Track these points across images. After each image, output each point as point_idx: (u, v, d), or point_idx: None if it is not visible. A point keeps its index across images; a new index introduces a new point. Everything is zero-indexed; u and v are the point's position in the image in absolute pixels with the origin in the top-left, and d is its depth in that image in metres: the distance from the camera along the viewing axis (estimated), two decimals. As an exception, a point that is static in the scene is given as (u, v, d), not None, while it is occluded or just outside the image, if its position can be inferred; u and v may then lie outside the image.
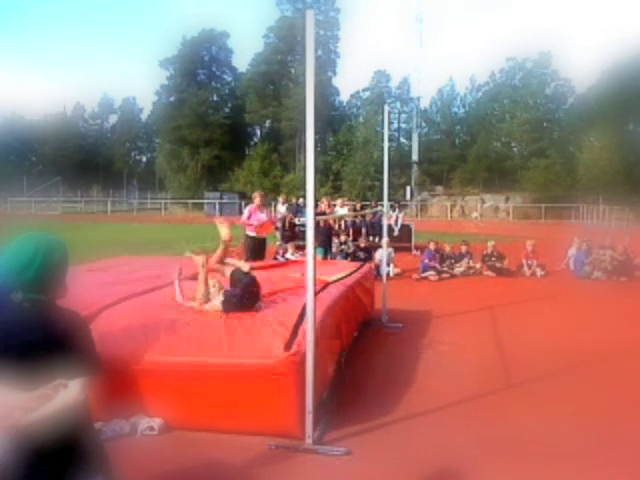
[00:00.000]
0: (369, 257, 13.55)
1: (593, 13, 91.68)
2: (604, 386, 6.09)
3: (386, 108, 9.36)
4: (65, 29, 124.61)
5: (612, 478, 4.11)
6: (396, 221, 19.16)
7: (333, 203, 18.26)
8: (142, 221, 40.95)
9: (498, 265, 14.25)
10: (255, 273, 6.64)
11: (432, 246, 14.18)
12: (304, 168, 4.67)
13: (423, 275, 13.73)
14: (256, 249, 11.05)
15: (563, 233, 16.43)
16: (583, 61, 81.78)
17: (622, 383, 6.20)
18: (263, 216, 11.09)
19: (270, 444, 4.41)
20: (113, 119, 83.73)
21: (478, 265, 14.40)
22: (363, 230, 18.09)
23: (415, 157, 60.53)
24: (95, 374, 2.19)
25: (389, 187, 9.28)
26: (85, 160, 76.10)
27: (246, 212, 11.28)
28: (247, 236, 11.22)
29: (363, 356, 7.04)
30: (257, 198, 11.29)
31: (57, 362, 2.05)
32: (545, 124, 59.90)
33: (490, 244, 14.70)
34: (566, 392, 5.85)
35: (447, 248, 14.63)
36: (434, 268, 13.80)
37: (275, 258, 13.28)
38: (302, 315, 4.97)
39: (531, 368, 6.59)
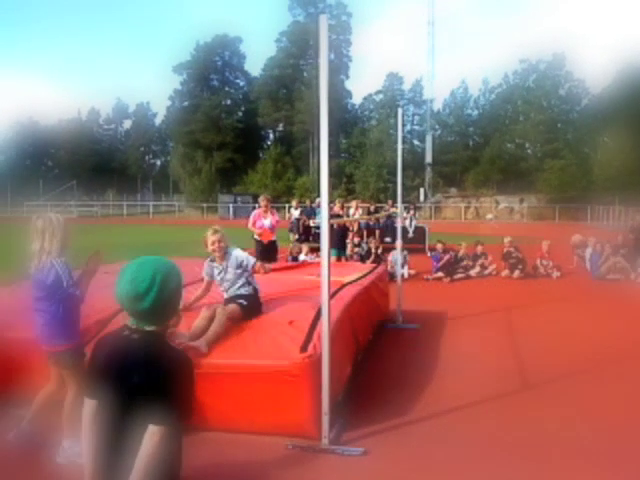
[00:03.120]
0: (379, 260, 13.56)
1: (607, 13, 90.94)
2: (622, 387, 6.04)
3: (400, 111, 9.35)
4: (80, 35, 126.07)
5: (630, 479, 4.08)
6: (410, 223, 19.14)
7: (347, 205, 18.29)
8: (157, 224, 41.17)
9: (519, 266, 14.11)
10: (268, 275, 6.68)
11: (439, 248, 14.13)
12: (317, 171, 4.70)
13: (435, 276, 13.69)
14: (265, 252, 11.13)
15: (578, 234, 16.26)
16: (597, 62, 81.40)
17: (636, 384, 6.16)
18: (267, 222, 11.17)
19: (287, 444, 4.43)
20: (127, 124, 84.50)
21: (493, 266, 14.32)
22: (377, 232, 18.11)
23: (429, 159, 60.38)
24: (185, 420, 2.06)
25: (403, 189, 9.27)
26: (100, 164, 76.74)
27: (251, 218, 11.42)
28: (255, 240, 11.36)
29: (379, 357, 7.03)
30: (262, 202, 11.40)
31: (150, 403, 1.94)
32: (559, 125, 59.57)
33: (507, 240, 14.60)
34: (583, 393, 5.81)
35: (462, 250, 14.56)
36: (444, 269, 13.75)
37: (293, 259, 13.34)
38: (317, 317, 4.98)
39: (548, 369, 6.55)
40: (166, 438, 1.95)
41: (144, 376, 1.97)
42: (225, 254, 5.47)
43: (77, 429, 4.16)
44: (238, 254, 5.50)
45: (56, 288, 4.00)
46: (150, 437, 1.92)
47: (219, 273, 5.53)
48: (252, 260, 5.56)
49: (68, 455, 4.14)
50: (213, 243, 5.39)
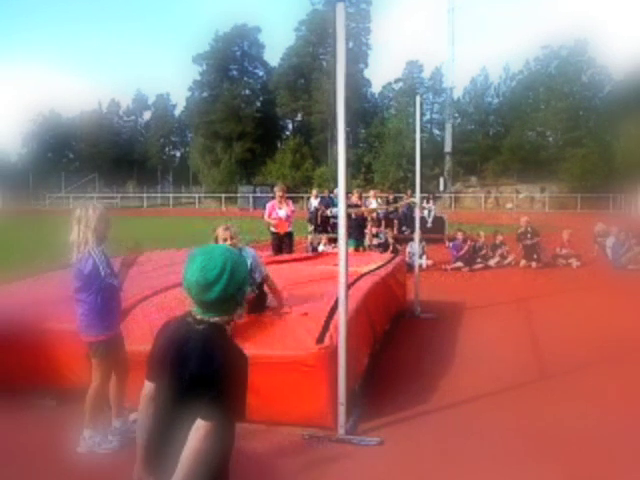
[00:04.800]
0: (396, 251, 13.53)
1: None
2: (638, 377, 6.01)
3: (418, 99, 9.30)
4: (100, 27, 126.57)
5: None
6: (429, 213, 19.05)
7: (365, 195, 18.23)
8: (178, 214, 41.43)
9: (533, 244, 14.03)
10: (287, 266, 6.66)
11: (460, 236, 14.08)
12: (335, 161, 4.69)
13: (454, 266, 13.65)
14: (281, 244, 11.15)
15: (601, 223, 16.06)
16: (620, 48, 79.76)
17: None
18: (282, 212, 11.15)
19: (304, 434, 4.47)
20: (147, 115, 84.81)
21: (513, 256, 14.23)
22: (395, 222, 18.05)
23: (448, 148, 59.89)
24: (233, 421, 2.02)
25: (422, 178, 9.23)
26: (120, 156, 77.22)
27: (267, 210, 11.41)
28: (271, 232, 11.37)
29: (396, 347, 7.05)
30: (278, 193, 11.38)
31: (200, 396, 1.91)
32: (581, 112, 58.63)
33: (523, 220, 14.49)
34: (601, 384, 5.78)
35: (481, 239, 14.49)
36: (463, 259, 13.70)
37: (313, 250, 13.38)
38: (334, 307, 5.00)
39: (566, 360, 6.52)
40: (213, 434, 1.90)
41: (198, 367, 1.95)
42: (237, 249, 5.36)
43: (98, 419, 4.27)
44: (251, 255, 5.33)
45: (94, 278, 4.07)
46: (196, 431, 1.90)
47: None
48: (263, 272, 5.45)
49: (89, 445, 4.23)
50: (225, 240, 5.21)
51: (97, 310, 4.15)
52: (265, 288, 5.53)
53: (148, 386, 2.17)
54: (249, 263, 5.16)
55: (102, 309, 4.16)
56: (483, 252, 14.14)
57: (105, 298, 4.15)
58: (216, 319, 2.03)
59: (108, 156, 76.17)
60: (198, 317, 2.03)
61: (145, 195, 61.00)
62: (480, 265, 13.80)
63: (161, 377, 2.08)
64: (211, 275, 1.97)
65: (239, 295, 2.09)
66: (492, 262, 14.02)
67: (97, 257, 4.07)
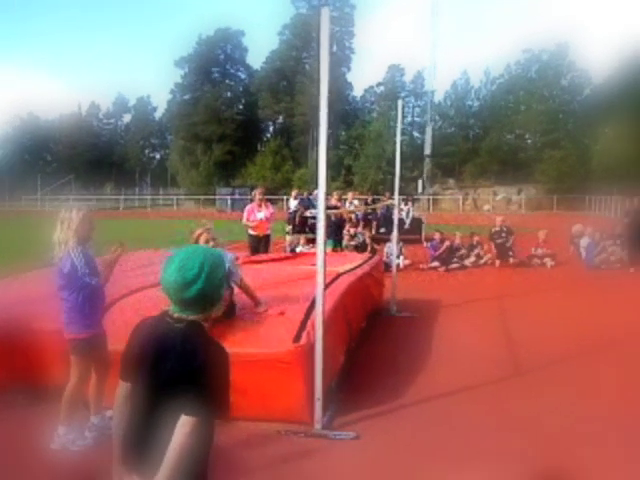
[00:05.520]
0: (373, 251, 13.63)
1: (611, 2, 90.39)
2: (612, 373, 6.14)
3: (400, 102, 9.39)
4: (80, 29, 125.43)
5: (623, 461, 4.18)
6: (407, 214, 19.19)
7: (344, 197, 18.34)
8: (154, 217, 41.16)
9: (507, 245, 14.22)
10: (263, 266, 6.66)
11: (437, 237, 14.25)
12: (316, 163, 4.74)
13: (431, 266, 13.79)
14: (258, 246, 11.18)
15: (574, 223, 16.32)
16: (600, 51, 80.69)
17: (630, 369, 6.25)
18: (261, 215, 11.19)
19: (280, 430, 4.52)
20: (127, 118, 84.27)
21: (489, 256, 14.41)
22: (374, 223, 18.18)
23: (428, 151, 60.23)
24: (220, 415, 2.05)
25: (401, 180, 9.33)
26: (99, 158, 76.63)
27: (245, 213, 11.43)
28: (249, 235, 11.38)
29: (373, 344, 7.12)
30: (257, 196, 11.42)
31: (183, 393, 1.94)
32: (560, 115, 59.29)
33: (499, 219, 14.69)
34: (574, 379, 5.90)
35: (457, 239, 14.65)
36: (440, 259, 13.85)
37: (291, 251, 13.42)
38: (312, 306, 5.06)
39: (540, 356, 6.64)
40: (197, 430, 1.94)
41: (180, 364, 1.98)
42: None
43: (73, 417, 4.30)
44: (229, 259, 5.23)
45: (73, 277, 4.16)
46: (181, 427, 1.93)
47: None
48: (239, 275, 5.41)
49: (63, 442, 4.27)
50: (207, 241, 5.06)
51: (78, 308, 4.22)
52: (234, 297, 5.43)
53: (123, 386, 2.18)
54: (226, 267, 5.13)
55: (83, 307, 4.22)
56: (460, 252, 14.30)
57: (86, 297, 4.22)
58: (194, 317, 2.06)
59: (86, 158, 75.55)
60: (176, 316, 2.06)
61: (122, 197, 60.41)
62: (456, 265, 13.95)
63: (138, 376, 2.09)
64: (189, 275, 2.01)
65: (217, 293, 2.12)
66: (468, 262, 14.19)
67: (75, 257, 4.14)
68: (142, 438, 2.05)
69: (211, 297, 2.09)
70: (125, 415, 2.15)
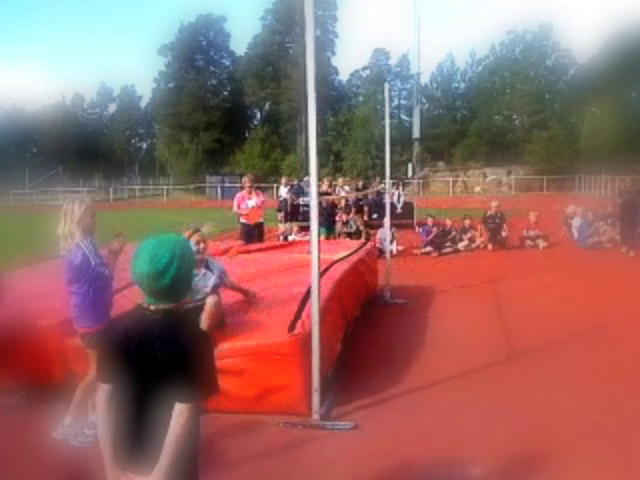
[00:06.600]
0: (367, 237, 13.61)
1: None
2: (605, 354, 6.17)
3: (386, 86, 9.33)
4: (61, 19, 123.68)
5: (620, 443, 4.19)
6: (398, 199, 19.16)
7: (334, 183, 18.28)
8: (144, 207, 40.93)
9: (499, 234, 14.22)
10: (257, 255, 6.59)
11: (429, 222, 14.22)
12: (305, 149, 4.69)
13: (424, 251, 13.77)
14: (251, 235, 11.10)
15: (566, 204, 16.38)
16: (584, 31, 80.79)
17: (622, 351, 6.28)
18: (252, 202, 11.09)
19: (279, 421, 4.50)
20: (112, 108, 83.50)
21: (481, 239, 14.40)
22: (365, 209, 18.13)
23: (416, 134, 60.14)
24: (210, 395, 2.06)
25: (390, 165, 9.28)
26: (85, 149, 75.93)
27: (235, 201, 11.32)
28: (241, 223, 11.29)
29: (368, 333, 7.10)
30: (247, 183, 11.32)
31: (176, 381, 1.95)
32: (546, 96, 59.45)
33: (494, 204, 14.68)
34: (568, 361, 5.92)
35: (448, 223, 14.63)
36: (433, 244, 13.83)
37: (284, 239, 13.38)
38: (307, 295, 5.03)
39: (534, 339, 6.66)
40: (193, 415, 1.98)
41: (167, 354, 1.97)
42: (204, 260, 5.01)
43: (82, 409, 4.27)
44: (218, 268, 5.09)
45: (85, 269, 4.13)
46: (179, 415, 1.94)
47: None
48: (228, 283, 5.30)
49: (65, 433, 4.26)
50: (198, 242, 4.90)
51: (89, 301, 4.19)
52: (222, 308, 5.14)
53: (104, 388, 2.14)
54: (215, 276, 4.98)
55: (94, 300, 4.20)
56: (452, 235, 14.28)
57: (97, 288, 4.20)
58: (169, 306, 2.07)
59: (73, 149, 74.87)
60: (152, 307, 2.06)
61: (112, 188, 60.01)
62: (449, 249, 13.95)
63: (123, 375, 2.06)
64: (161, 264, 2.01)
65: (188, 279, 2.16)
66: (461, 246, 14.19)
67: (86, 248, 4.14)
68: (134, 435, 2.04)
69: (183, 284, 2.11)
70: (112, 417, 2.12)
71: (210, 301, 4.77)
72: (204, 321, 4.64)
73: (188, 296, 2.18)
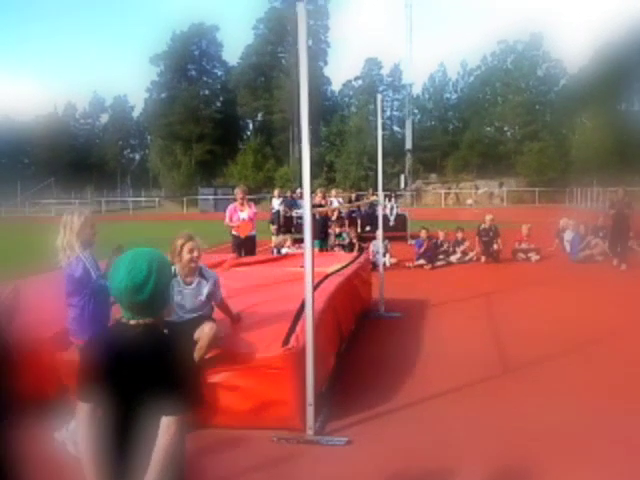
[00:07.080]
0: (360, 250, 13.59)
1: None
2: (599, 367, 6.19)
3: (379, 97, 9.36)
4: (54, 29, 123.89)
5: (612, 456, 4.19)
6: (391, 211, 19.20)
7: (328, 195, 18.30)
8: (137, 219, 40.84)
9: (492, 248, 14.26)
10: (252, 269, 6.56)
11: (423, 234, 14.20)
12: (298, 160, 4.71)
13: (417, 264, 13.77)
14: (243, 247, 11.00)
15: (558, 217, 16.46)
16: (574, 41, 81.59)
17: (616, 364, 6.30)
18: (244, 215, 10.99)
19: (272, 436, 4.48)
20: (104, 118, 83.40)
21: (474, 252, 14.42)
22: (358, 221, 18.16)
23: (409, 145, 60.38)
24: (197, 407, 2.06)
25: (383, 176, 9.31)
26: (78, 160, 75.71)
27: (227, 213, 11.17)
28: (232, 235, 11.19)
29: (362, 347, 7.10)
30: (238, 195, 11.23)
31: (163, 395, 1.94)
32: (537, 107, 59.91)
33: (488, 218, 14.70)
34: (563, 375, 5.93)
35: (441, 236, 14.64)
36: (426, 256, 13.83)
37: (278, 252, 13.35)
38: (301, 309, 5.02)
39: (528, 353, 6.66)
40: (180, 428, 1.97)
41: (150, 368, 1.97)
42: (198, 270, 4.85)
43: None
44: (212, 276, 4.96)
45: (86, 281, 4.12)
46: (167, 429, 1.93)
47: (179, 292, 4.76)
48: (220, 296, 5.07)
49: (66, 437, 4.23)
50: (191, 251, 4.70)
51: (89, 314, 4.18)
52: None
53: (84, 407, 2.10)
54: (210, 284, 4.88)
55: (94, 312, 4.18)
56: (444, 248, 14.29)
57: (97, 301, 4.18)
58: (149, 320, 2.06)
59: (65, 160, 74.63)
60: (132, 322, 2.05)
61: (104, 199, 59.80)
62: (442, 262, 13.96)
63: (105, 392, 2.03)
64: (139, 278, 2.00)
65: (167, 293, 2.14)
66: (454, 258, 14.21)
67: (87, 260, 4.14)
68: (119, 454, 2.02)
69: (162, 297, 2.10)
70: (94, 436, 2.08)
71: (208, 331, 4.54)
72: (200, 347, 4.45)
73: (167, 310, 2.17)
